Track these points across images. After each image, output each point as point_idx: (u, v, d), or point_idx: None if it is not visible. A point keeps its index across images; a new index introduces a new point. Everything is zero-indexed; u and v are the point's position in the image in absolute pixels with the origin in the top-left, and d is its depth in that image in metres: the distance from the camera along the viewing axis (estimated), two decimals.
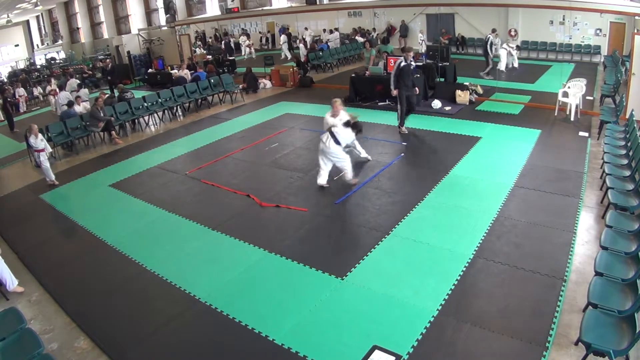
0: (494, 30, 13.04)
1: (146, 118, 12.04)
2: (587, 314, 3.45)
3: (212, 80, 13.43)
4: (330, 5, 19.69)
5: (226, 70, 16.80)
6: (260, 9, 21.98)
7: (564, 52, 14.78)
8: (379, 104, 11.44)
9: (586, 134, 8.42)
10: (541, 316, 3.96)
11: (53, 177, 8.15)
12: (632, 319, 3.29)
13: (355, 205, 6.32)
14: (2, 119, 14.07)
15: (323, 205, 6.38)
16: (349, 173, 6.71)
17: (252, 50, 21.90)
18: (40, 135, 8.08)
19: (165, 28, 20.81)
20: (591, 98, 10.58)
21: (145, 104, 11.79)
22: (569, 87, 9.67)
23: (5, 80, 21.91)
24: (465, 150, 7.91)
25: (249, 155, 8.81)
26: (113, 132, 10.50)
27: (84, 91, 13.82)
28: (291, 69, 15.10)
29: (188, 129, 11.18)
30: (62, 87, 13.35)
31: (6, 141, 12.17)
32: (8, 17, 23.17)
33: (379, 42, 15.69)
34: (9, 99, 14.53)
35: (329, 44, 18.48)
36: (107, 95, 11.85)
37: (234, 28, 24.48)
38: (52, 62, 26.34)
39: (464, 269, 4.71)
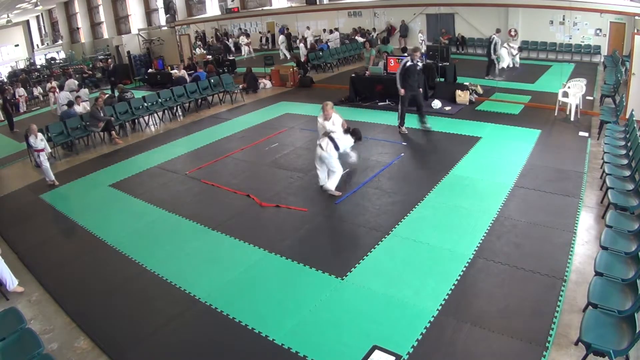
0: (498, 31, 12.97)
1: (146, 118, 12.04)
2: (587, 314, 3.45)
3: (212, 80, 13.43)
4: (330, 5, 19.70)
5: (226, 70, 16.80)
6: (260, 9, 21.99)
7: (564, 52, 14.78)
8: (379, 104, 11.44)
9: (586, 134, 8.42)
10: (541, 316, 3.96)
11: (53, 177, 8.15)
12: (632, 319, 3.29)
13: (355, 205, 6.32)
14: (2, 119, 14.07)
15: (323, 205, 6.38)
16: (333, 184, 6.54)
17: (251, 49, 21.92)
18: (40, 135, 8.08)
19: (165, 28, 20.82)
20: (591, 98, 10.57)
21: (145, 104, 11.79)
22: (569, 87, 9.67)
23: (5, 80, 21.91)
24: (465, 150, 7.91)
25: (249, 155, 8.81)
26: (113, 132, 10.50)
27: (84, 91, 13.85)
28: (291, 69, 15.10)
29: (188, 129, 11.18)
30: (62, 87, 13.35)
31: (6, 141, 12.17)
32: (8, 17, 23.17)
33: (379, 42, 15.69)
34: (9, 99, 14.53)
35: (329, 44, 18.49)
36: (107, 95, 11.85)
37: (234, 28, 24.50)
38: (52, 62, 26.34)
39: (464, 269, 4.71)
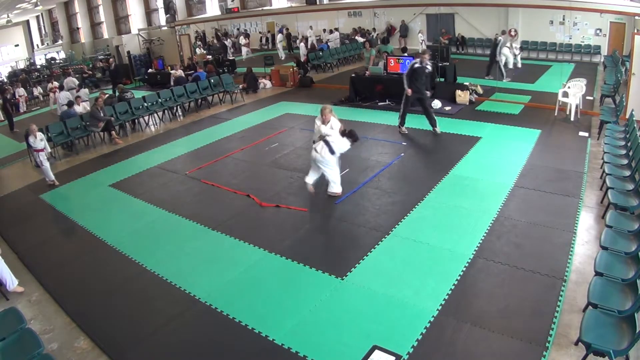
0: (504, 32, 12.90)
1: (146, 118, 12.04)
2: (587, 314, 3.45)
3: (212, 80, 13.43)
4: (330, 5, 19.68)
5: (226, 70, 16.80)
6: (260, 9, 21.98)
7: (564, 52, 14.77)
8: (379, 104, 11.45)
9: (586, 134, 8.42)
10: (541, 316, 3.96)
11: (53, 177, 8.15)
12: (632, 319, 3.29)
13: (355, 205, 6.32)
14: (2, 119, 14.07)
15: (323, 205, 6.38)
16: (336, 187, 6.49)
17: (249, 49, 21.92)
18: (39, 135, 8.08)
19: (165, 28, 20.82)
20: (591, 98, 10.57)
21: (145, 104, 11.79)
22: (569, 87, 9.67)
23: (5, 80, 21.91)
24: (465, 150, 7.91)
25: (249, 155, 8.81)
26: (113, 132, 10.50)
27: (84, 91, 13.84)
28: (291, 69, 15.10)
29: (188, 129, 11.18)
30: (62, 87, 13.35)
31: (6, 141, 12.18)
32: (8, 17, 23.17)
33: (379, 42, 15.68)
34: (9, 99, 14.53)
35: (329, 44, 18.48)
36: (107, 95, 11.85)
37: (234, 28, 24.50)
38: (52, 62, 26.34)
39: (464, 269, 4.71)
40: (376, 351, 3.72)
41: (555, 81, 11.29)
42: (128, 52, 19.21)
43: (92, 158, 9.65)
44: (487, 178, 6.82)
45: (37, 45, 30.22)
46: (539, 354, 3.56)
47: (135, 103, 11.62)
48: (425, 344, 3.77)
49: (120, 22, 26.15)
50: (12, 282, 5.04)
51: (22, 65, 26.77)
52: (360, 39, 17.92)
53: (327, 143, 6.23)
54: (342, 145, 6.34)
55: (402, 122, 9.13)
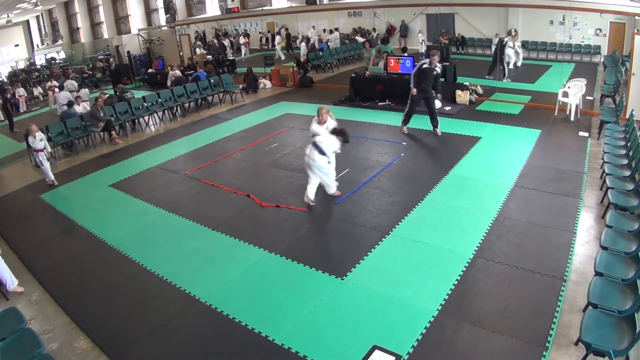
0: (509, 33, 12.85)
1: (146, 118, 12.04)
2: (587, 314, 3.45)
3: (212, 80, 13.43)
4: (330, 5, 19.68)
5: (226, 70, 16.80)
6: (260, 9, 21.98)
7: (564, 52, 14.77)
8: (379, 104, 11.44)
9: (586, 134, 8.42)
10: (541, 316, 3.96)
11: (52, 177, 8.15)
12: (632, 319, 3.29)
13: (355, 205, 6.32)
14: (2, 119, 14.08)
15: (323, 205, 6.38)
16: (332, 188, 6.42)
17: (248, 49, 21.94)
18: (39, 135, 8.08)
19: (165, 28, 20.82)
20: (591, 98, 10.57)
21: (145, 104, 11.79)
22: (569, 87, 9.67)
23: (6, 80, 21.91)
24: (465, 150, 7.91)
25: (249, 155, 8.81)
26: (113, 132, 10.50)
27: (84, 91, 13.85)
28: (291, 69, 15.10)
29: (188, 129, 11.18)
30: (62, 87, 13.35)
31: (6, 141, 12.18)
32: (8, 17, 23.18)
33: (379, 42, 15.69)
34: (9, 99, 14.53)
35: (329, 44, 18.48)
36: (107, 95, 11.85)
37: (233, 28, 24.50)
38: (52, 62, 26.35)
39: (464, 269, 4.71)
40: (376, 351, 3.72)
41: (555, 81, 11.29)
42: (128, 52, 19.21)
43: (92, 158, 9.65)
44: (487, 178, 6.82)
45: (37, 45, 30.22)
46: (539, 354, 3.56)
47: (135, 103, 11.62)
48: (425, 344, 3.77)
49: (120, 22, 26.15)
50: (12, 282, 5.04)
51: (22, 65, 26.77)
52: (360, 39, 17.93)
53: (315, 145, 6.04)
54: (332, 145, 6.07)
55: (405, 122, 9.10)
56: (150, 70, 17.87)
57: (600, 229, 5.01)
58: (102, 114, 10.36)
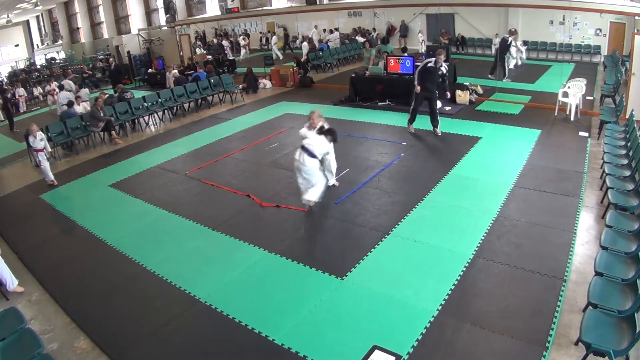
0: (512, 32, 12.79)
1: (146, 118, 12.04)
2: (587, 314, 3.45)
3: (212, 80, 13.43)
4: (330, 5, 19.69)
5: (226, 70, 16.80)
6: (260, 9, 21.99)
7: (564, 52, 14.78)
8: (379, 104, 11.44)
9: (586, 134, 8.42)
10: (541, 316, 3.96)
11: (52, 177, 8.15)
12: (632, 319, 3.29)
13: (355, 205, 6.31)
14: (2, 118, 14.08)
15: (323, 205, 6.37)
16: (314, 195, 5.97)
17: (248, 49, 21.96)
18: (39, 135, 8.09)
19: (165, 28, 20.83)
20: (591, 98, 10.57)
21: (145, 104, 11.79)
22: (569, 87, 9.67)
23: (6, 80, 21.91)
24: (465, 150, 7.91)
25: (249, 155, 8.80)
26: (113, 132, 10.50)
27: (84, 91, 13.83)
28: (291, 69, 15.10)
29: (188, 129, 11.18)
30: (62, 87, 13.35)
31: (6, 141, 12.18)
32: (8, 17, 23.18)
33: (379, 42, 15.69)
34: (10, 99, 14.52)
35: (329, 44, 18.48)
36: (107, 95, 11.85)
37: (233, 28, 24.51)
38: (52, 62, 26.35)
39: (464, 269, 4.71)
40: (376, 351, 3.72)
41: (555, 81, 11.29)
42: (128, 52, 19.22)
43: (92, 158, 9.64)
44: (487, 178, 6.82)
45: (37, 45, 30.22)
46: (539, 354, 3.56)
47: (135, 103, 11.62)
48: (425, 344, 3.77)
49: (120, 22, 26.16)
50: (12, 282, 5.04)
51: (22, 65, 26.77)
52: (360, 39, 17.93)
53: (304, 148, 5.81)
54: (321, 146, 5.88)
55: (411, 121, 9.07)
56: (150, 70, 17.87)
57: (600, 229, 5.01)
58: (102, 114, 10.36)
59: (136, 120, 11.66)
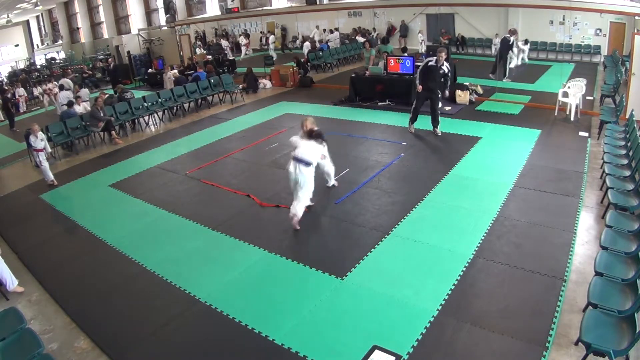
0: (513, 32, 12.77)
1: (146, 118, 12.04)
2: (587, 314, 3.45)
3: (212, 80, 13.42)
4: (330, 5, 19.71)
5: (226, 70, 16.81)
6: (260, 9, 22.01)
7: (564, 52, 14.80)
8: (379, 104, 11.44)
9: (586, 134, 8.42)
10: (541, 316, 3.96)
11: (52, 177, 8.15)
12: (632, 319, 3.29)
13: (355, 205, 6.31)
14: (2, 118, 14.07)
15: (323, 205, 6.38)
16: (301, 208, 5.71)
17: (250, 49, 21.98)
18: (40, 135, 8.08)
19: (165, 28, 20.84)
20: (591, 98, 10.58)
21: (145, 104, 11.79)
22: (569, 87, 9.67)
23: (6, 80, 21.91)
24: (465, 150, 7.91)
25: (249, 155, 8.80)
26: (113, 132, 10.50)
27: (84, 91, 13.82)
28: (291, 69, 15.10)
29: (188, 129, 11.18)
30: (62, 87, 13.35)
31: (6, 141, 12.18)
32: (8, 17, 23.19)
33: (379, 42, 15.69)
34: (10, 99, 14.52)
35: (329, 44, 18.49)
36: (107, 95, 11.85)
37: (233, 28, 24.53)
38: (52, 62, 26.35)
39: (464, 269, 4.71)
40: (376, 351, 3.72)
41: (555, 81, 11.30)
42: (128, 52, 19.22)
43: (92, 158, 9.65)
44: (487, 178, 6.82)
45: (37, 45, 30.24)
46: (539, 354, 3.56)
47: (135, 103, 11.62)
48: (425, 344, 3.77)
49: (120, 22, 26.17)
50: (12, 282, 5.04)
51: (22, 65, 26.78)
52: (360, 39, 17.94)
53: (297, 159, 5.56)
54: (312, 149, 5.67)
55: (412, 120, 9.06)
56: (150, 70, 17.87)
57: (600, 229, 5.01)
58: (102, 114, 10.36)
59: (136, 120, 11.66)
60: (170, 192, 7.35)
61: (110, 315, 4.52)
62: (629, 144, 6.52)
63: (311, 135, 5.73)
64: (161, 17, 23.69)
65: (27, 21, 29.53)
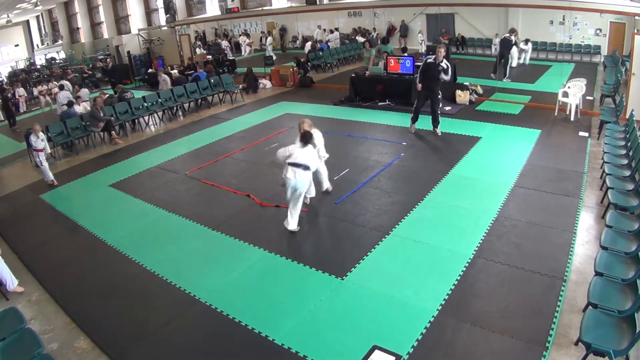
0: (513, 31, 12.74)
1: (146, 118, 12.04)
2: (587, 314, 3.45)
3: (212, 80, 13.42)
4: (330, 5, 19.72)
5: (226, 70, 16.81)
6: (260, 9, 22.02)
7: (564, 52, 14.80)
8: (379, 104, 11.44)
9: (586, 134, 8.42)
10: (541, 316, 3.96)
11: (52, 177, 8.15)
12: (632, 319, 3.29)
13: (355, 205, 6.31)
14: (2, 118, 14.07)
15: (323, 205, 6.38)
16: (294, 222, 5.65)
17: (252, 49, 21.97)
18: (41, 135, 8.08)
19: (165, 28, 20.84)
20: (591, 98, 10.58)
21: (145, 104, 11.78)
22: (569, 87, 9.67)
23: (5, 80, 21.91)
24: (465, 150, 7.91)
25: (249, 155, 8.81)
26: (113, 132, 10.50)
27: (84, 91, 13.81)
28: (291, 69, 15.10)
29: (188, 129, 11.18)
30: (62, 87, 13.34)
31: (6, 141, 12.18)
32: (8, 17, 23.20)
33: (379, 42, 15.69)
34: (10, 99, 14.51)
35: (329, 44, 18.50)
36: (107, 95, 11.85)
37: (233, 28, 24.54)
38: (52, 62, 26.35)
39: (464, 269, 4.71)
40: (376, 351, 3.72)
41: (555, 81, 11.31)
42: (128, 52, 19.21)
43: (92, 158, 9.64)
44: (487, 178, 6.82)
45: (37, 45, 30.26)
46: (539, 354, 3.56)
47: (135, 103, 11.62)
48: (425, 344, 3.77)
49: (120, 22, 26.18)
50: (12, 282, 5.04)
51: (22, 65, 26.78)
52: (360, 39, 17.94)
53: (294, 164, 5.40)
54: (312, 155, 5.53)
55: (414, 120, 9.03)
56: (150, 70, 17.87)
57: (600, 229, 5.01)
58: (102, 114, 10.36)
59: (136, 120, 11.65)
60: (170, 192, 7.35)
61: (110, 315, 4.52)
62: (629, 144, 6.52)
63: (304, 139, 5.50)
64: (161, 17, 23.70)
65: (27, 21, 29.55)
